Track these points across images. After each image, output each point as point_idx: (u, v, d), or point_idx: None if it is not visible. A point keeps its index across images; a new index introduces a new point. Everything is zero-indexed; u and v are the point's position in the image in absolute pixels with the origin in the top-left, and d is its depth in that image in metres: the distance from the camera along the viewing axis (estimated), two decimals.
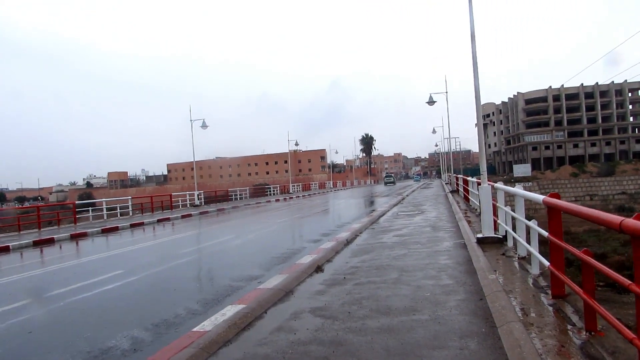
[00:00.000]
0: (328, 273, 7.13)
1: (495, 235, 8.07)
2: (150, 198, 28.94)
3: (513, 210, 6.84)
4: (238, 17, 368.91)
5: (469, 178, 16.06)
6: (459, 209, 15.70)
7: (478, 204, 13.31)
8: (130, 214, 25.39)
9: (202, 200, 34.32)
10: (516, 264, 6.43)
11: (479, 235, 8.22)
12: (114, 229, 18.07)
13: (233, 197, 39.87)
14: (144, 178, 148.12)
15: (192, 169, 32.40)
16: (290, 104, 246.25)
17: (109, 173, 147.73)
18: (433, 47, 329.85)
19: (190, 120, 32.72)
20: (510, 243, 7.61)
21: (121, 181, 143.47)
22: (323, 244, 10.00)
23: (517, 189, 6.28)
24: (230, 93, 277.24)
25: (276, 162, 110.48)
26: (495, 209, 8.40)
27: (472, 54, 8.66)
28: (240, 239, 13.23)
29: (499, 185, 8.15)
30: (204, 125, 32.34)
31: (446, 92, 27.70)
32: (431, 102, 26.74)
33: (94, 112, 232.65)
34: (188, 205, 31.72)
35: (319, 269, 7.42)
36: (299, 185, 60.04)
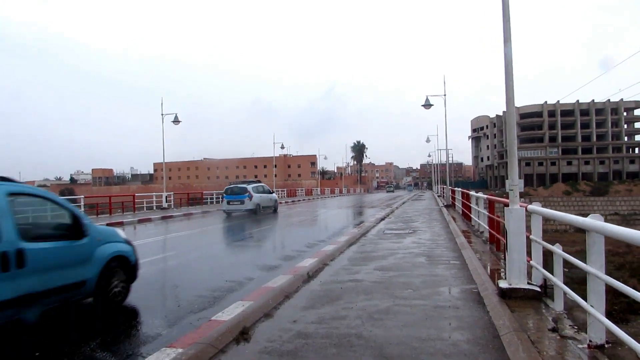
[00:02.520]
0: (255, 347, 4.16)
1: (530, 288, 5.14)
2: (109, 198, 25.70)
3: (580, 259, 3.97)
4: (233, 22, 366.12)
5: (472, 192, 13.22)
6: (459, 229, 12.85)
7: (485, 226, 10.50)
8: None
9: (172, 202, 31.22)
10: (586, 357, 3.54)
11: (504, 285, 5.25)
12: None
13: (208, 200, 36.79)
14: (130, 176, 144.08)
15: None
16: (284, 110, 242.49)
17: (93, 170, 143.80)
18: (428, 59, 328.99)
19: (162, 114, 29.89)
20: (559, 305, 4.65)
21: (106, 178, 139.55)
22: (274, 278, 7.04)
23: (597, 221, 3.39)
24: (224, 97, 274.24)
25: (265, 166, 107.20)
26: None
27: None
28: (176, 260, 10.19)
29: (537, 207, 5.28)
30: (176, 120, 29.52)
31: (444, 95, 24.94)
32: (427, 105, 23.91)
33: (86, 110, 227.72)
34: (154, 208, 28.63)
35: (243, 335, 4.44)
36: (284, 191, 56.91)
